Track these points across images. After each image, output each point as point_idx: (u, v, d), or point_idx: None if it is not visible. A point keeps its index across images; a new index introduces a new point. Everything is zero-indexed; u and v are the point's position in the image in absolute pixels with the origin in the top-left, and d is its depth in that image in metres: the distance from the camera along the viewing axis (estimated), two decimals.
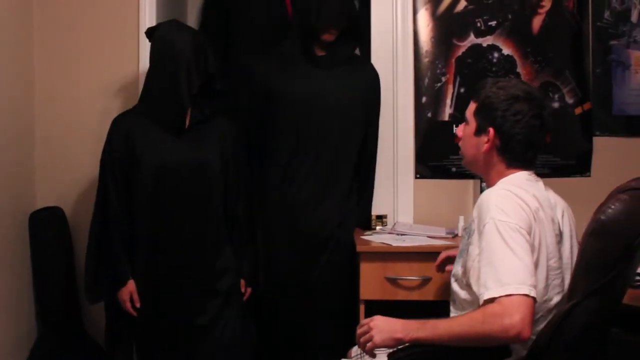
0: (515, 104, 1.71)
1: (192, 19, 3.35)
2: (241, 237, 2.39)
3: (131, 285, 2.26)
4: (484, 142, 1.75)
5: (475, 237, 1.63)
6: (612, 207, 1.45)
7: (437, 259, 2.13)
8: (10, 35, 2.47)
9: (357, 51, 2.71)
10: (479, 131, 1.76)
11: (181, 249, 2.27)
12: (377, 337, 1.57)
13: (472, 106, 1.80)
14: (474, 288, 1.59)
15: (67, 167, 2.64)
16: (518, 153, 1.73)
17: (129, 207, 2.26)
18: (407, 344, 1.57)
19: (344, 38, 2.46)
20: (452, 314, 1.77)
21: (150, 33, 2.32)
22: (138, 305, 2.26)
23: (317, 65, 2.46)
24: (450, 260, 2.06)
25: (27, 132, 2.60)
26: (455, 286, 1.75)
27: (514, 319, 1.44)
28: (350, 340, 2.19)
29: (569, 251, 1.73)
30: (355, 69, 2.53)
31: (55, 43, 2.66)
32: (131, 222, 2.27)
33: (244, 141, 2.45)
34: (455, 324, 1.53)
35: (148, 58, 2.33)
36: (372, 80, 2.59)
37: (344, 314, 2.49)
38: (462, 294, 1.70)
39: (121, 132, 2.27)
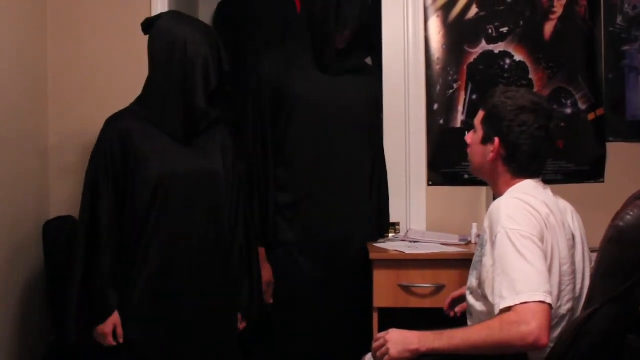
0: (522, 114, 1.71)
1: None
2: (240, 265, 2.14)
3: (116, 316, 1.97)
4: (490, 151, 1.76)
5: (488, 247, 1.63)
6: (631, 213, 1.44)
7: (445, 302, 2.11)
8: (24, 43, 2.49)
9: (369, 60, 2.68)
10: (486, 140, 1.78)
11: (194, 268, 2.03)
12: (393, 349, 1.57)
13: (480, 114, 1.82)
14: (490, 299, 1.59)
15: (81, 177, 2.61)
16: (523, 163, 1.73)
17: (121, 222, 1.99)
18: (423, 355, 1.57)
19: (354, 45, 2.42)
20: None
21: (148, 25, 2.05)
22: (121, 340, 1.97)
23: (328, 71, 2.40)
24: (458, 301, 2.07)
25: (41, 141, 2.62)
26: (470, 299, 1.74)
27: (531, 326, 1.44)
28: (363, 348, 2.19)
29: (581, 256, 1.73)
30: (363, 77, 2.50)
31: (68, 51, 2.67)
32: (124, 241, 1.98)
33: (241, 156, 2.26)
34: (472, 333, 1.53)
35: None
36: (378, 89, 2.59)
37: (358, 322, 2.47)
38: (478, 306, 1.70)
39: (117, 135, 2.00)
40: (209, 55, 1.98)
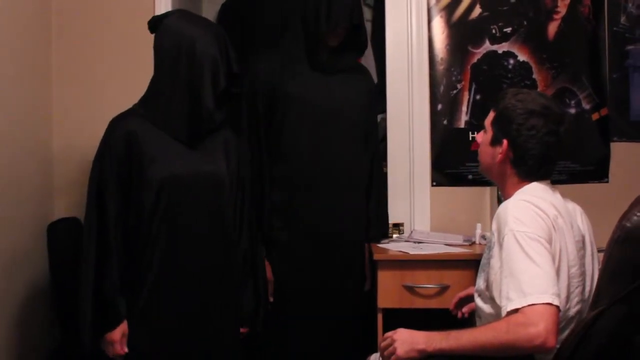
0: (531, 118, 1.71)
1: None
2: (243, 270, 2.10)
3: (124, 325, 1.93)
4: (498, 153, 1.76)
5: (495, 250, 1.63)
6: (638, 214, 1.43)
7: (452, 302, 2.10)
8: (28, 48, 2.49)
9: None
10: (495, 141, 1.78)
11: (197, 273, 1.98)
12: (400, 349, 1.58)
13: (491, 115, 1.82)
14: (497, 301, 1.58)
15: (85, 178, 2.61)
16: (531, 167, 1.73)
17: (126, 226, 1.94)
18: (430, 355, 1.57)
19: (347, 44, 2.42)
20: None
21: (154, 23, 2.01)
22: (126, 350, 1.93)
23: (322, 70, 2.41)
24: (465, 301, 2.06)
25: (46, 143, 2.62)
26: (479, 301, 1.74)
27: (538, 327, 1.44)
28: (367, 348, 2.19)
29: (590, 258, 1.73)
30: (357, 75, 2.50)
31: (72, 55, 2.68)
32: (128, 245, 1.94)
33: (248, 158, 2.24)
34: (479, 334, 1.53)
35: None
36: (372, 87, 2.58)
37: (359, 320, 2.47)
38: (486, 308, 1.70)
39: (121, 137, 1.94)
40: (217, 55, 1.93)
